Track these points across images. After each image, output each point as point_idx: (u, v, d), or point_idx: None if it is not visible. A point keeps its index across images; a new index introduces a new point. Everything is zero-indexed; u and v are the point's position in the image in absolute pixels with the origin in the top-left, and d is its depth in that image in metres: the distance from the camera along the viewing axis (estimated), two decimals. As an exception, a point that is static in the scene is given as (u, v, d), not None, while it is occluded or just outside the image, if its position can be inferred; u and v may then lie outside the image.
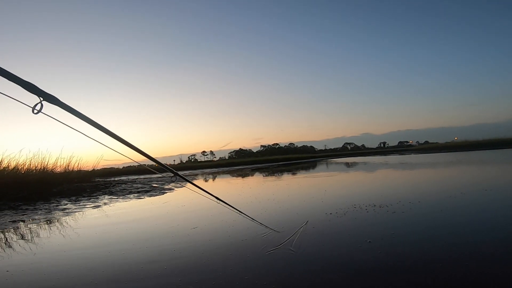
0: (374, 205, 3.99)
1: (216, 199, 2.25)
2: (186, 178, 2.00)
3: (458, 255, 2.07)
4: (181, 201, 6.29)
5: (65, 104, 1.08)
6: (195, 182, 2.02)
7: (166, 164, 1.79)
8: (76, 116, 1.12)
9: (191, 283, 1.92)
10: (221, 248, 2.64)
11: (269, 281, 1.88)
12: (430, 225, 2.93)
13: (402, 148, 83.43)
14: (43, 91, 1.01)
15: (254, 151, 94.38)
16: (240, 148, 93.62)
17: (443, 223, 2.95)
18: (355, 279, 1.83)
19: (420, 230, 2.79)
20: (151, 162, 1.56)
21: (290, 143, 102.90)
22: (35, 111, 0.99)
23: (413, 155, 26.06)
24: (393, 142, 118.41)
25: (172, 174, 1.80)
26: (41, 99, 1.00)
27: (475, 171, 8.47)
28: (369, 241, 2.49)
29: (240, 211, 2.51)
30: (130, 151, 1.38)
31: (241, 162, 39.77)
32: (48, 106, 1.04)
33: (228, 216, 3.83)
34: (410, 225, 2.98)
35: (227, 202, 2.35)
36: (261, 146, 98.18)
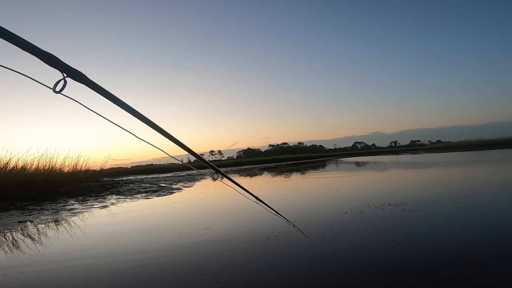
0: (389, 204, 3.91)
1: (255, 199, 2.14)
2: (228, 175, 1.85)
3: (488, 255, 2.01)
4: (191, 200, 6.21)
5: (94, 82, 0.88)
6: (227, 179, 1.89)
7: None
8: (106, 97, 0.92)
9: (217, 282, 1.87)
10: (241, 247, 2.58)
11: (298, 278, 1.85)
12: (452, 224, 2.86)
13: (414, 147, 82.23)
14: (67, 65, 0.82)
15: (263, 150, 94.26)
16: (248, 148, 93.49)
17: (465, 222, 2.89)
18: (387, 277, 1.80)
19: (443, 229, 2.73)
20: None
21: (299, 142, 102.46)
22: (56, 91, 0.81)
23: (425, 154, 25.54)
24: (404, 141, 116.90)
25: (214, 171, 1.69)
26: (65, 75, 0.81)
27: (490, 170, 8.26)
28: (392, 239, 2.45)
29: (277, 213, 2.38)
30: (165, 144, 1.20)
31: (249, 162, 39.51)
32: (70, 86, 0.83)
33: (241, 215, 3.79)
34: (431, 224, 2.91)
35: (266, 203, 2.23)
36: (270, 145, 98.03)
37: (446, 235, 2.52)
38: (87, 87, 0.89)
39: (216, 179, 1.69)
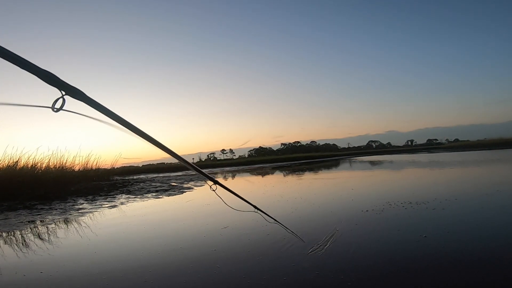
0: (410, 202, 3.85)
1: (254, 208, 2.08)
2: (227, 187, 1.79)
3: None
4: (204, 200, 6.02)
5: (92, 99, 0.90)
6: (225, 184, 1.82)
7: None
8: (105, 114, 0.93)
9: (259, 279, 1.82)
10: (268, 246, 2.49)
11: (342, 273, 1.83)
12: (481, 222, 2.80)
13: (431, 146, 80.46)
14: (66, 83, 0.82)
15: (274, 149, 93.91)
16: (260, 146, 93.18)
17: (494, 221, 2.81)
18: (429, 272, 1.76)
19: (473, 226, 2.66)
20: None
21: (312, 141, 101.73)
22: (55, 109, 0.81)
23: (443, 153, 24.78)
24: (421, 140, 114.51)
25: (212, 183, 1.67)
26: (63, 93, 0.82)
27: (510, 169, 8.00)
28: (425, 236, 2.38)
29: (276, 220, 2.26)
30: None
31: (261, 161, 39.25)
32: (69, 103, 0.83)
33: (257, 214, 3.65)
34: (460, 222, 2.85)
35: (266, 212, 2.15)
36: (282, 144, 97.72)
37: (480, 232, 2.46)
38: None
39: (214, 190, 1.67)
